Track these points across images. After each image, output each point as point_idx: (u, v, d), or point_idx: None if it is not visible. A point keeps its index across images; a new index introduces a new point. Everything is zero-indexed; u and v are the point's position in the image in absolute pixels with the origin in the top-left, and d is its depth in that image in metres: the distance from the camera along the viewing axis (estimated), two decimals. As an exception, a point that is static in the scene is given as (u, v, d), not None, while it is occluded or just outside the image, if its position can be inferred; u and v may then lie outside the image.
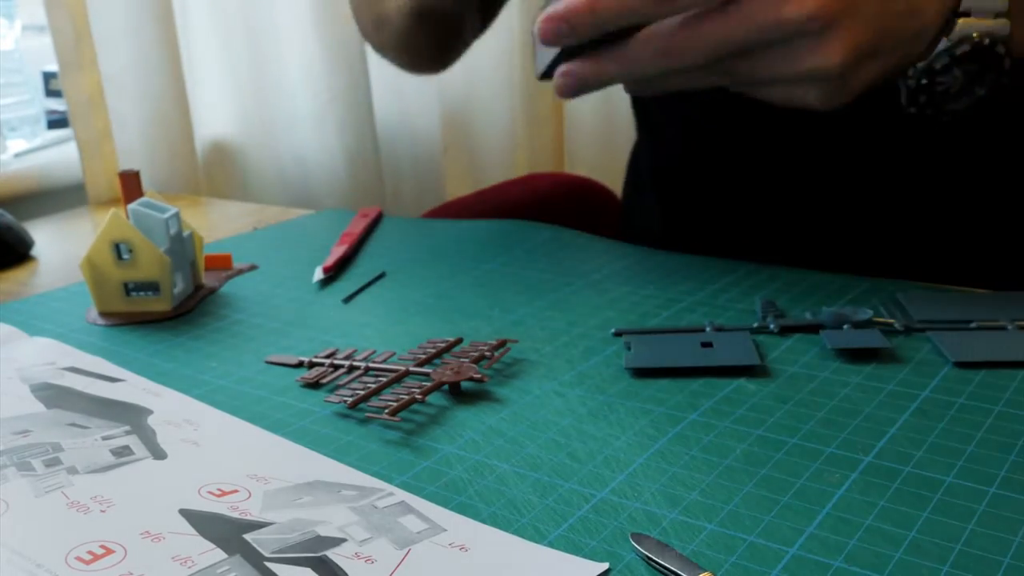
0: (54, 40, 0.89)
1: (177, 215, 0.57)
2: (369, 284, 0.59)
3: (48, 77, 1.16)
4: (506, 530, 0.33)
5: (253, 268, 0.64)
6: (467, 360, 0.46)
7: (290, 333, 0.53)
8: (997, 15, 0.49)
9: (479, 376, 0.44)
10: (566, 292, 0.57)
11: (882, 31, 0.46)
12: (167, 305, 0.56)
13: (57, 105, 1.15)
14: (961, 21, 0.48)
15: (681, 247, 0.64)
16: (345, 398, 0.42)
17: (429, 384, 0.43)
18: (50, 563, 0.32)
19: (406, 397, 0.42)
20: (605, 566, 0.31)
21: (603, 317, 0.52)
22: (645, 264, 0.61)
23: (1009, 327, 0.47)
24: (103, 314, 0.56)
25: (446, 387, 0.44)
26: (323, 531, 0.33)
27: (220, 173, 1.11)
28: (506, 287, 0.58)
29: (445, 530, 0.33)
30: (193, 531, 0.33)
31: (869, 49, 0.46)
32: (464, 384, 0.44)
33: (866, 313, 0.48)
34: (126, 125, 0.97)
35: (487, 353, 0.47)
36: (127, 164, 0.97)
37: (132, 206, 0.56)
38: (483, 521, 0.34)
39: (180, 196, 0.94)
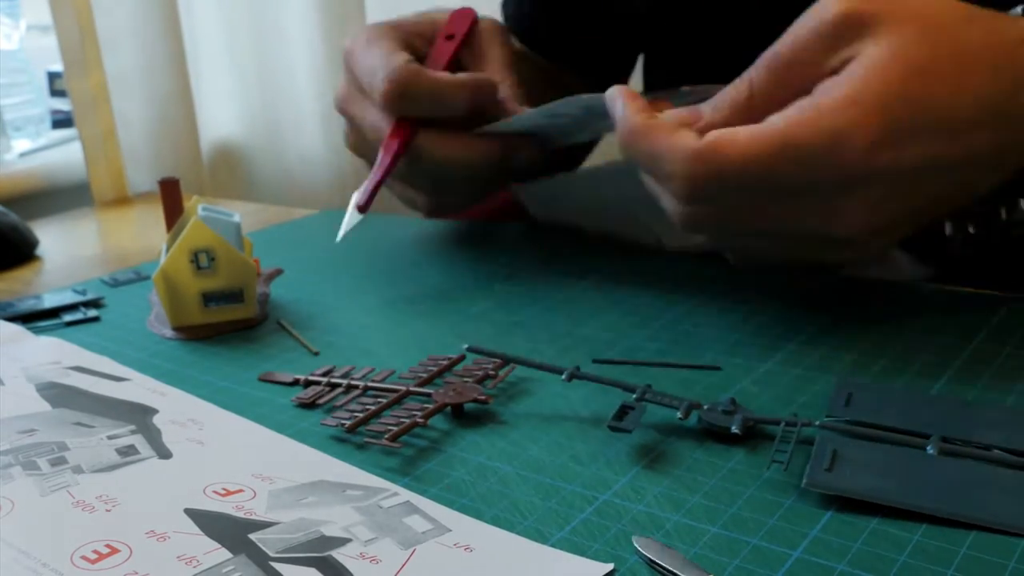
0: (59, 40, 0.89)
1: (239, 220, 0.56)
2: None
3: (53, 77, 1.16)
4: (509, 532, 0.33)
5: (278, 272, 0.62)
6: (470, 380, 0.44)
7: (294, 335, 0.53)
8: None
9: (483, 397, 0.42)
10: (571, 293, 0.57)
11: (910, 213, 0.44)
12: (252, 312, 0.54)
13: (61, 105, 1.15)
14: None
15: None
16: (343, 421, 0.40)
17: (431, 406, 0.41)
18: (55, 562, 0.32)
19: (407, 420, 0.40)
20: (610, 567, 0.31)
21: (605, 320, 0.53)
22: (650, 265, 0.61)
23: (930, 449, 0.36)
24: (177, 329, 0.53)
25: (448, 409, 0.42)
26: (328, 531, 0.33)
27: (225, 173, 1.12)
28: (509, 287, 0.58)
29: (450, 530, 0.33)
30: (198, 530, 0.33)
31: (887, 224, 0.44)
32: (467, 406, 0.42)
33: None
34: (131, 125, 0.97)
35: (491, 372, 0.45)
36: (132, 164, 0.97)
37: (202, 213, 0.53)
38: (486, 523, 0.34)
39: (184, 196, 0.94)
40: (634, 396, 0.40)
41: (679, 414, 0.39)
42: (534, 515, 0.34)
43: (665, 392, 0.41)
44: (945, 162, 0.42)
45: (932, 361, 0.45)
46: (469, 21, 0.65)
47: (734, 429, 0.39)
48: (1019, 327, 0.48)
